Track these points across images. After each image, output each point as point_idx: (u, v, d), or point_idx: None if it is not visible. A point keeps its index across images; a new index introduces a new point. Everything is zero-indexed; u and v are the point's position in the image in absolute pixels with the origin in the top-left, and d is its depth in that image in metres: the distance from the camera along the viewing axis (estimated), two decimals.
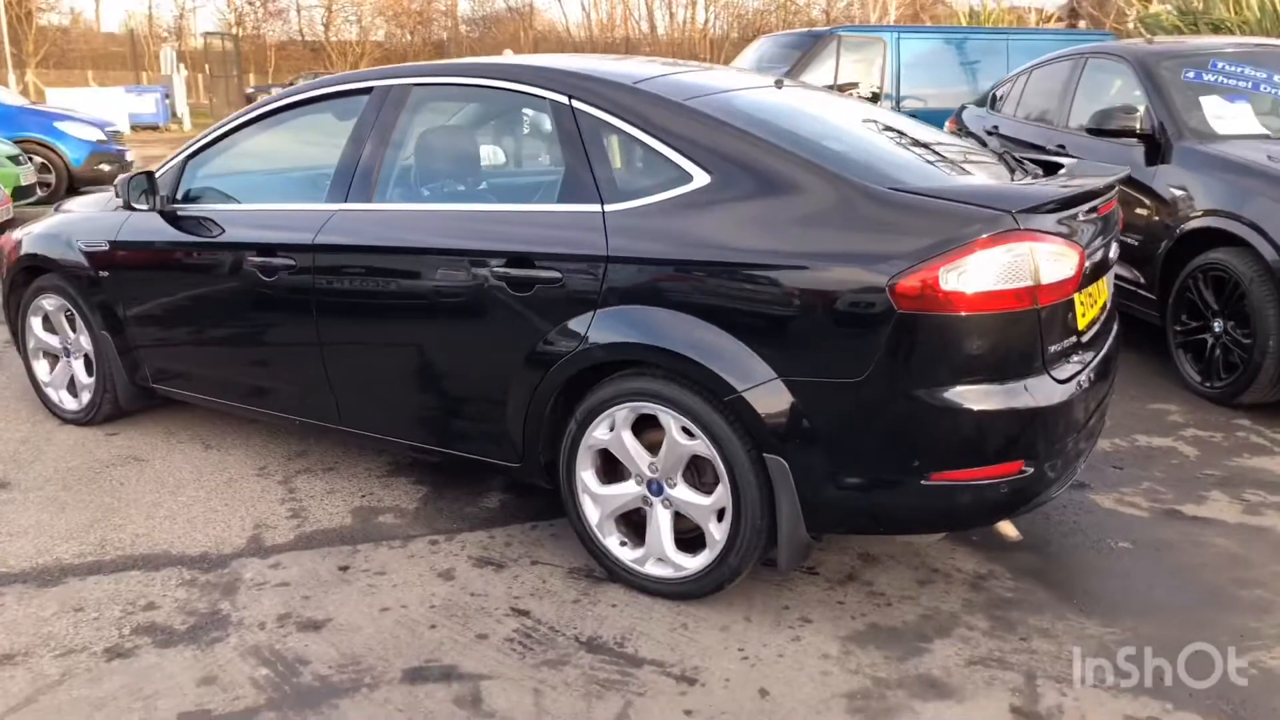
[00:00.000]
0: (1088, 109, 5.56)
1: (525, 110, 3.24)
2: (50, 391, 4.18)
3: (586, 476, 2.78)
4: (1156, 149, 4.82)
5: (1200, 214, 4.49)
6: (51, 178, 11.08)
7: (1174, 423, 4.09)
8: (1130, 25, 16.36)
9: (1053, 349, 2.45)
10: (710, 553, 2.62)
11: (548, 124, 2.96)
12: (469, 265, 2.85)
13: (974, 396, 2.34)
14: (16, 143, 10.18)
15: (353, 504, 3.35)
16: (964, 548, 2.99)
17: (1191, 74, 5.07)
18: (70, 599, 2.76)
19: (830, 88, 8.33)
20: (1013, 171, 2.95)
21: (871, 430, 2.41)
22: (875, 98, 8.98)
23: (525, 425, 2.85)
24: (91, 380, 4.00)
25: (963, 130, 7.08)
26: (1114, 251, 2.83)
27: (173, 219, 3.58)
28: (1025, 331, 2.37)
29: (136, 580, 2.86)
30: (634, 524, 2.80)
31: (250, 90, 32.51)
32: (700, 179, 2.58)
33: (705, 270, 2.51)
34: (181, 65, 27.72)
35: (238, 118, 3.61)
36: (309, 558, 2.99)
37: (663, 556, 2.70)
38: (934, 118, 5.74)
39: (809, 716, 2.24)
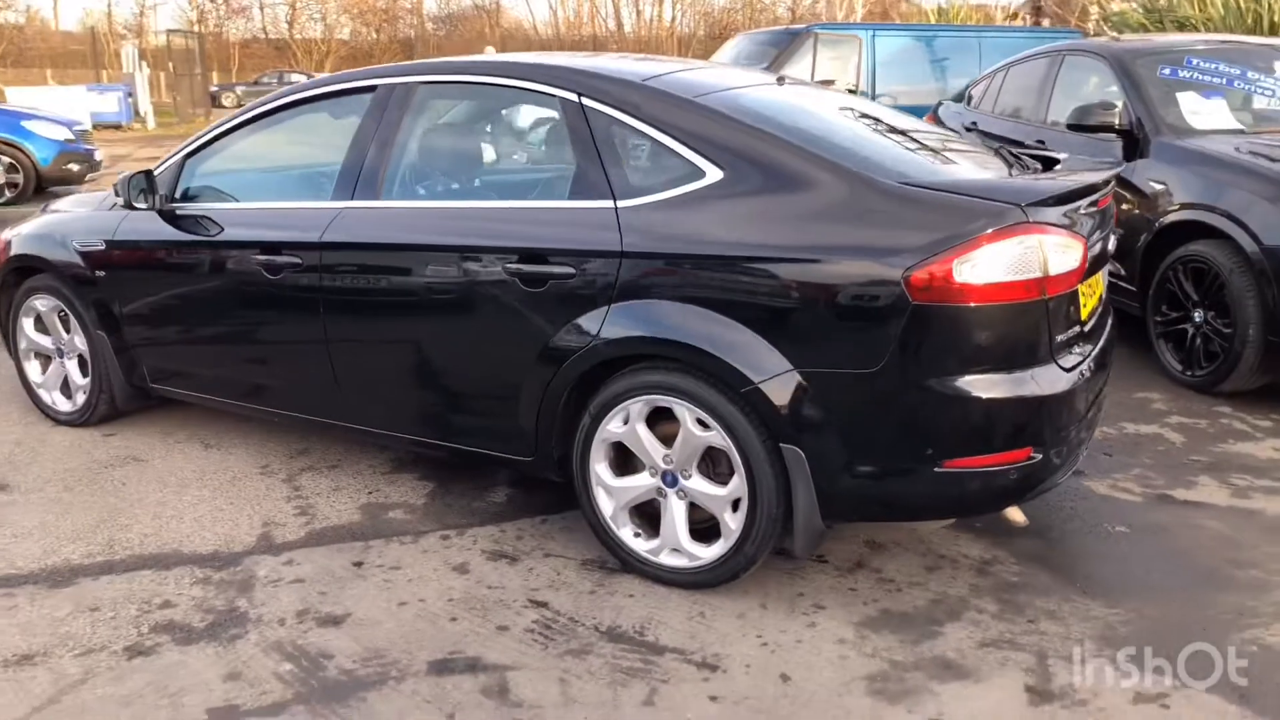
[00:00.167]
0: (1065, 105, 5.67)
1: (533, 108, 3.26)
2: (43, 393, 4.14)
3: (600, 469, 2.82)
4: (1135, 144, 4.93)
5: (1178, 207, 4.60)
6: (19, 178, 10.91)
7: (1158, 410, 4.20)
8: (1092, 24, 16.66)
9: (1059, 339, 2.52)
10: (726, 542, 2.66)
11: (556, 121, 2.99)
12: (482, 261, 2.88)
13: (985, 385, 2.41)
14: None
15: (360, 500, 3.36)
16: (967, 534, 3.06)
17: (1167, 71, 5.19)
18: (84, 599, 2.75)
19: None
20: (1010, 166, 3.02)
21: (886, 419, 2.46)
22: (851, 94, 9.07)
23: (538, 420, 2.87)
24: (86, 381, 3.97)
25: (941, 127, 7.19)
26: (1111, 244, 2.91)
27: (171, 218, 3.57)
28: (1034, 321, 2.44)
29: (150, 579, 2.86)
30: (647, 515, 2.84)
31: (214, 89, 32.16)
32: (713, 175, 2.62)
33: (720, 265, 2.56)
34: (144, 63, 27.30)
35: (237, 116, 3.60)
36: (321, 554, 3.00)
37: (678, 547, 2.74)
38: (909, 114, 5.82)
39: (831, 699, 2.30)
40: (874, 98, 9.51)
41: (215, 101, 31.26)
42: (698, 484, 2.69)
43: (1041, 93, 6.00)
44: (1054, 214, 2.45)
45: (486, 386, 3.00)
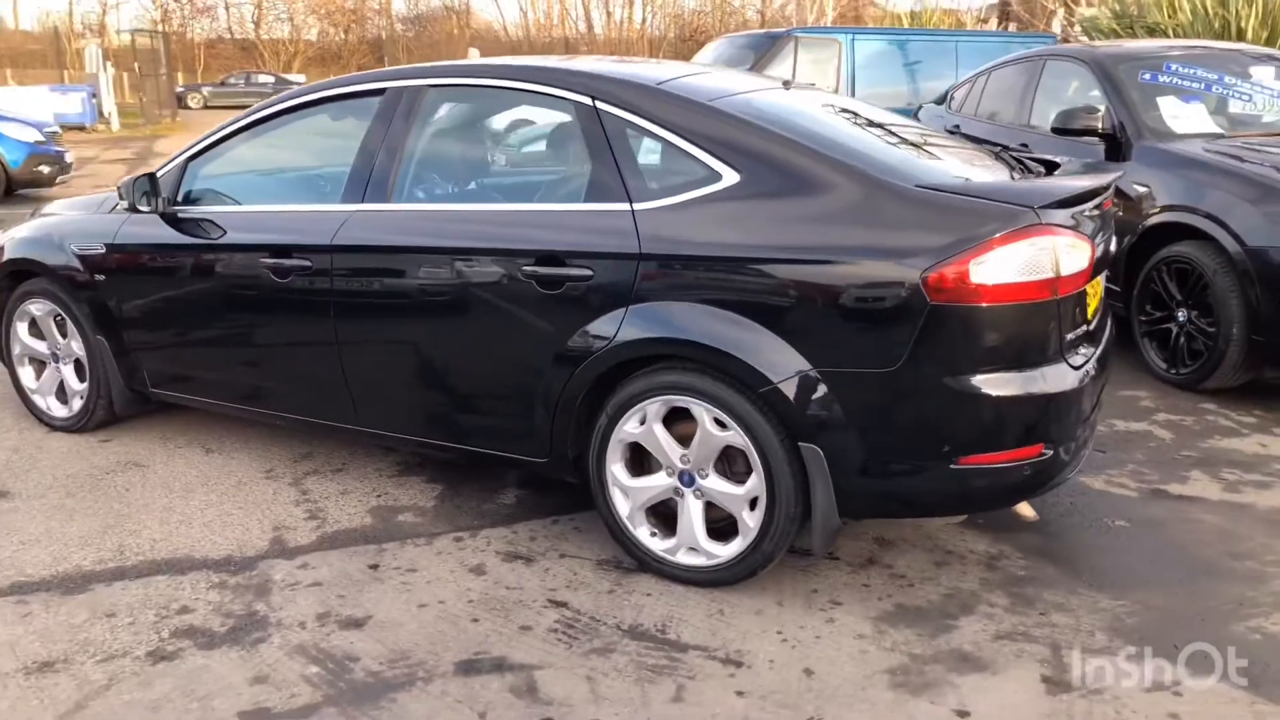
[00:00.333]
0: (1047, 109, 5.78)
1: (545, 111, 3.28)
2: (37, 398, 4.10)
3: (616, 469, 2.85)
4: (1117, 147, 5.04)
5: (1160, 209, 4.71)
6: None
7: (1146, 408, 4.30)
8: (1060, 27, 16.92)
9: (1068, 338, 2.59)
10: (743, 540, 2.70)
11: (569, 125, 3.01)
12: (496, 264, 2.90)
13: (1000, 383, 2.47)
14: None
15: (369, 504, 3.37)
16: (972, 529, 3.13)
17: (1148, 75, 5.31)
18: (100, 605, 2.74)
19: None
20: (1013, 169, 3.09)
21: (904, 417, 2.52)
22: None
23: (554, 421, 2.90)
24: (84, 386, 3.94)
25: None
26: (1113, 245, 2.99)
27: (174, 221, 3.56)
28: (1046, 321, 2.51)
29: (165, 584, 2.85)
30: (662, 515, 2.87)
31: (180, 89, 31.76)
32: (730, 178, 2.66)
33: (738, 266, 2.60)
34: (108, 63, 26.91)
35: (241, 119, 3.58)
36: (336, 558, 3.00)
37: (695, 545, 2.77)
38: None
39: (855, 693, 2.34)
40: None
41: (181, 102, 30.90)
42: (715, 483, 2.72)
43: (1024, 97, 6.10)
44: (1064, 216, 2.52)
45: (502, 388, 3.02)
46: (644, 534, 2.86)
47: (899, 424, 2.53)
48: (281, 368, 3.47)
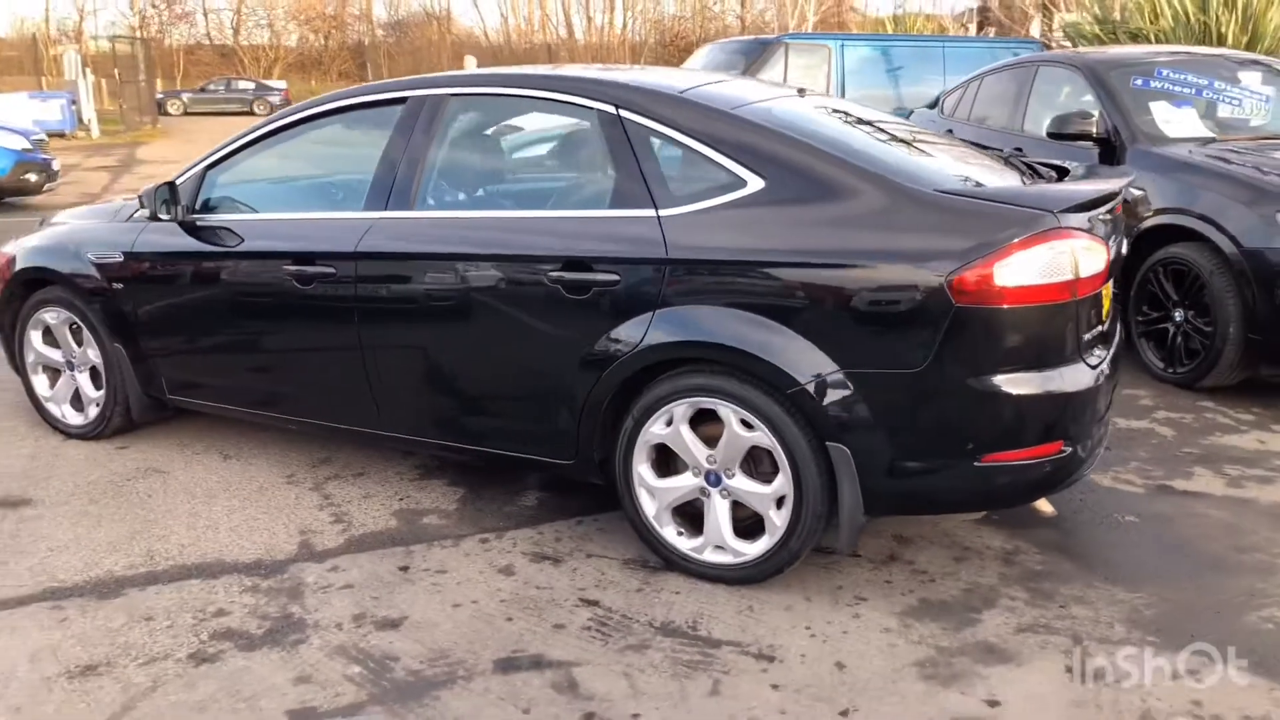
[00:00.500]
0: (1040, 114, 5.90)
1: (568, 119, 3.34)
2: (52, 406, 4.11)
3: (643, 470, 2.90)
4: (1112, 151, 5.15)
5: (1154, 212, 4.81)
6: None
7: (1145, 406, 4.40)
8: (1038, 32, 17.14)
9: (1085, 338, 2.67)
10: (770, 538, 2.76)
11: (593, 133, 3.07)
12: (523, 270, 2.95)
13: (1021, 382, 2.54)
14: None
15: (392, 507, 3.41)
16: (988, 526, 3.20)
17: (1139, 81, 5.43)
18: (136, 609, 2.77)
19: None
20: (1023, 174, 3.17)
21: (929, 417, 2.59)
22: None
23: (580, 423, 2.95)
24: (100, 393, 3.95)
25: None
26: (1124, 248, 3.08)
27: (193, 229, 3.58)
28: (1065, 322, 2.59)
29: (198, 588, 2.88)
30: (687, 514, 2.93)
31: (159, 96, 31.55)
32: (754, 184, 2.73)
33: (766, 270, 2.66)
34: (87, 70, 26.72)
35: (258, 129, 3.62)
36: (365, 560, 3.04)
37: (722, 544, 2.83)
38: None
39: (887, 685, 2.41)
40: None
41: (161, 109, 30.71)
42: (741, 483, 2.78)
43: (1017, 102, 6.21)
44: (1081, 219, 2.60)
45: (528, 392, 3.07)
46: (671, 533, 2.91)
47: (924, 423, 2.60)
48: (303, 373, 3.51)
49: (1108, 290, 2.93)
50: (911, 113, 7.82)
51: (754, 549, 2.80)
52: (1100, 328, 2.78)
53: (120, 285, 3.74)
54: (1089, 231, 2.61)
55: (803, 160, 2.72)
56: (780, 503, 2.73)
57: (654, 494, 2.91)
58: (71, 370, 4.03)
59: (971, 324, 2.49)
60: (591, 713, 2.31)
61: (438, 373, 3.20)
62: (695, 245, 2.74)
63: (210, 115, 33.29)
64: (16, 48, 37.03)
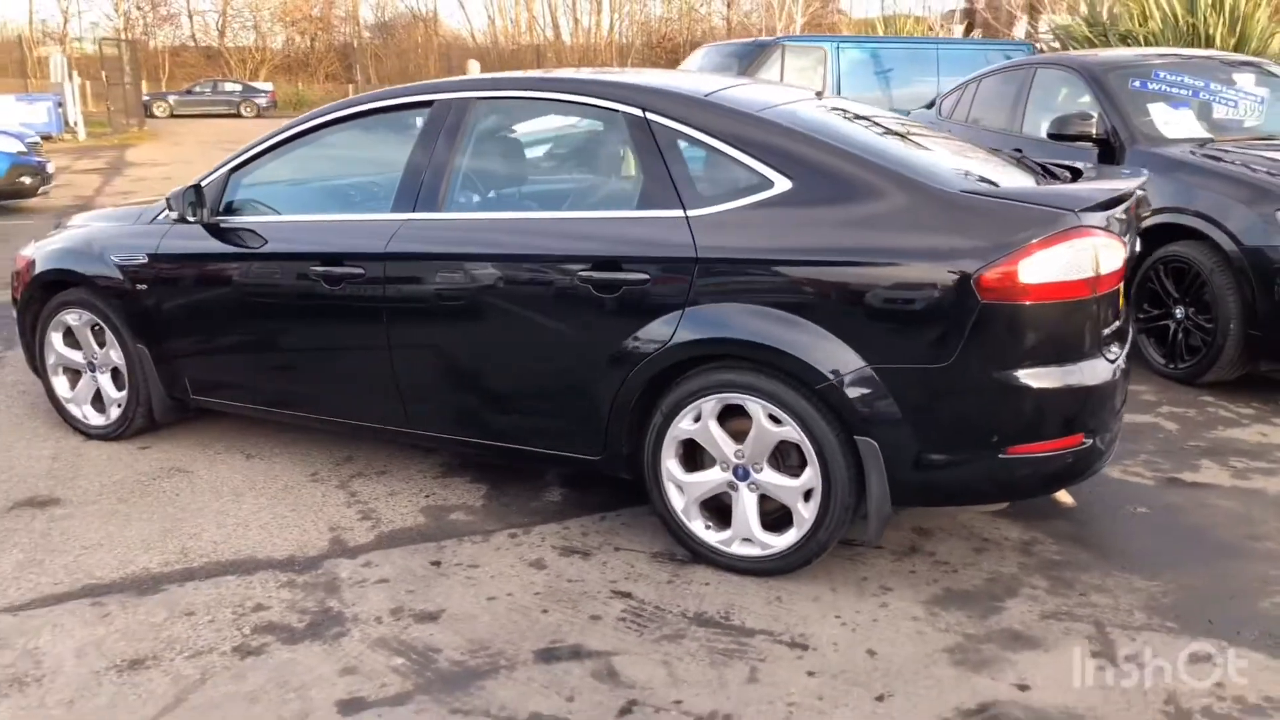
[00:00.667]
0: (1039, 116, 6.01)
1: (594, 122, 3.40)
2: (72, 407, 4.14)
3: (671, 465, 2.96)
4: (1111, 152, 5.25)
5: (1154, 211, 4.90)
6: None
7: (1149, 401, 4.49)
8: (1020, 32, 17.32)
9: (1104, 333, 2.75)
10: (798, 531, 2.83)
11: (620, 135, 3.13)
12: (552, 270, 3.01)
13: (1044, 376, 2.62)
14: None
15: (419, 504, 3.46)
16: (1004, 518, 3.28)
17: (1137, 83, 5.53)
18: (177, 605, 2.81)
19: None
20: (1038, 175, 3.25)
21: (955, 411, 2.66)
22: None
23: (609, 420, 3.01)
24: (122, 394, 3.99)
25: None
26: (1137, 247, 3.16)
27: (218, 231, 3.62)
28: (1087, 317, 2.67)
29: (235, 584, 2.93)
30: (714, 508, 2.99)
31: (145, 98, 31.42)
32: (781, 185, 2.80)
33: (794, 268, 2.73)
34: (73, 72, 26.57)
35: (280, 133, 3.66)
36: (398, 555, 3.09)
37: (750, 537, 2.90)
38: None
39: (920, 670, 2.48)
40: None
41: (147, 111, 30.57)
42: (769, 476, 2.85)
43: (1015, 104, 6.31)
44: (1101, 218, 2.68)
45: (556, 389, 3.13)
46: (699, 527, 2.98)
47: (951, 417, 2.67)
48: (329, 372, 3.55)
49: (1120, 288, 3.01)
50: (909, 113, 7.91)
51: (781, 541, 2.86)
52: (1117, 323, 2.86)
53: (144, 287, 3.78)
54: (1108, 230, 2.69)
55: (829, 161, 2.79)
56: (808, 495, 2.80)
57: (682, 488, 2.97)
58: (93, 371, 4.06)
59: (997, 320, 2.57)
60: (634, 700, 2.37)
61: (466, 371, 3.26)
62: (724, 245, 2.81)
63: (197, 117, 33.18)
64: (1, 50, 36.76)
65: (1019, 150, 5.89)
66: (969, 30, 20.94)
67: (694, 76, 3.61)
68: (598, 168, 3.60)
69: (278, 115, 34.18)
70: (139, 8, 39.25)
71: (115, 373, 4.00)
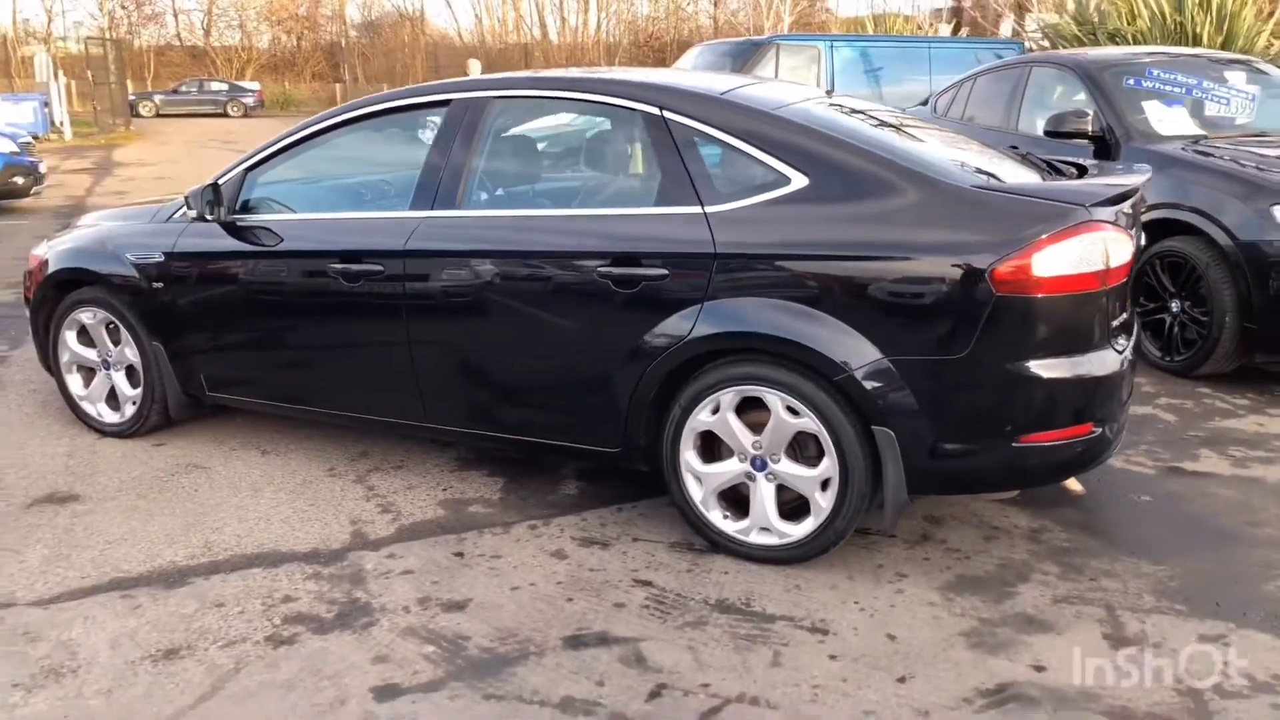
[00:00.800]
0: (1034, 113, 6.11)
1: (611, 120, 3.45)
2: (86, 405, 4.16)
3: (690, 457, 3.02)
4: (1106, 149, 5.34)
5: (1149, 207, 4.99)
6: None
7: (1147, 393, 4.57)
8: (1006, 30, 17.45)
9: (1112, 325, 2.82)
10: (815, 520, 2.90)
11: (637, 133, 3.19)
12: (571, 266, 3.07)
13: (1056, 367, 2.69)
14: None
15: (437, 497, 3.51)
16: (1013, 507, 3.36)
17: (1131, 81, 5.63)
18: (206, 597, 2.85)
19: None
20: (1043, 171, 3.33)
21: (970, 401, 2.73)
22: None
23: (627, 413, 3.07)
24: (137, 392, 4.02)
25: None
26: (1142, 240, 3.24)
27: (235, 229, 3.66)
28: (1096, 309, 2.74)
29: (262, 576, 2.97)
30: (732, 499, 3.05)
31: (131, 98, 31.26)
32: (798, 181, 2.86)
33: (812, 263, 2.80)
34: (59, 72, 26.44)
35: (295, 133, 3.70)
36: (420, 547, 3.14)
37: (767, 526, 2.96)
38: None
39: (939, 653, 2.55)
40: None
41: (133, 110, 30.44)
42: (787, 467, 2.91)
43: (1010, 102, 6.40)
44: (1110, 213, 2.75)
45: (575, 383, 3.18)
46: (717, 517, 3.04)
47: (966, 407, 2.74)
48: (348, 368, 3.60)
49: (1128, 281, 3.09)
50: (904, 111, 7.99)
51: (799, 530, 2.93)
52: (1124, 316, 2.93)
53: (161, 285, 3.81)
54: (1116, 224, 2.77)
55: (845, 158, 2.86)
56: (825, 485, 2.86)
57: (701, 479, 3.03)
58: (107, 369, 4.09)
59: (1011, 312, 2.64)
60: (663, 684, 2.43)
61: (486, 366, 3.31)
62: (742, 240, 2.87)
63: (183, 117, 33.07)
64: None
65: (1015, 147, 6.02)
66: (957, 29, 21.07)
67: (707, 75, 3.67)
68: (614, 165, 3.65)
69: (264, 115, 34.12)
70: (123, 7, 39.08)
71: (130, 370, 4.03)
